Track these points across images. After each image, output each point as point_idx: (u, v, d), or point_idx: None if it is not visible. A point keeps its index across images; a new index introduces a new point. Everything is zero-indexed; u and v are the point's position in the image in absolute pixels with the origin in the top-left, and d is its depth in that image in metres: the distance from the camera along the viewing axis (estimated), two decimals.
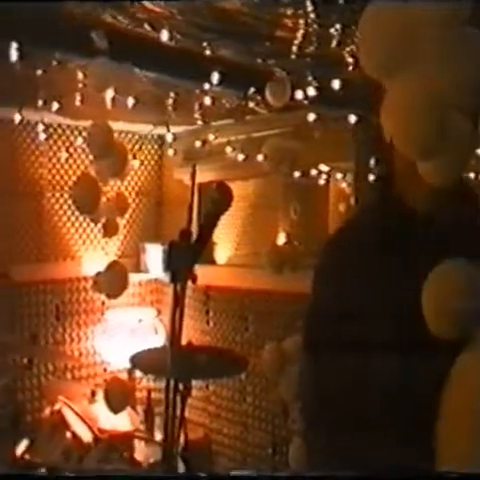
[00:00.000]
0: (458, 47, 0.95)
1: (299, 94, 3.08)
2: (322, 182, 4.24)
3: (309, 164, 4.05)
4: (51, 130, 4.58)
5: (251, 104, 3.40)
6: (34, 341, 4.57)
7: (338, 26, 2.48)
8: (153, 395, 4.53)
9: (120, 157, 3.27)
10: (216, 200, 1.65)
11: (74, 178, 4.55)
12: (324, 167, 4.14)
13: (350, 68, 2.82)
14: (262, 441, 4.47)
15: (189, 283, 1.56)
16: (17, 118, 3.65)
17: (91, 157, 3.94)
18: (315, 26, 2.51)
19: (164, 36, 2.60)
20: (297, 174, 4.03)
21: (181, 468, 2.68)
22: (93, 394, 4.04)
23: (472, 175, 2.81)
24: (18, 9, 2.32)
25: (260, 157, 3.57)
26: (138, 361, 2.41)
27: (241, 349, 4.48)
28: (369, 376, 1.11)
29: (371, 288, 1.18)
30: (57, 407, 3.79)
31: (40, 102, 3.37)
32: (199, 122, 3.97)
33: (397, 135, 1.01)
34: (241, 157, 4.02)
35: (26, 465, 3.43)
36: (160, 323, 4.94)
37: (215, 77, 2.91)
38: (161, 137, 5.24)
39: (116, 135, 3.22)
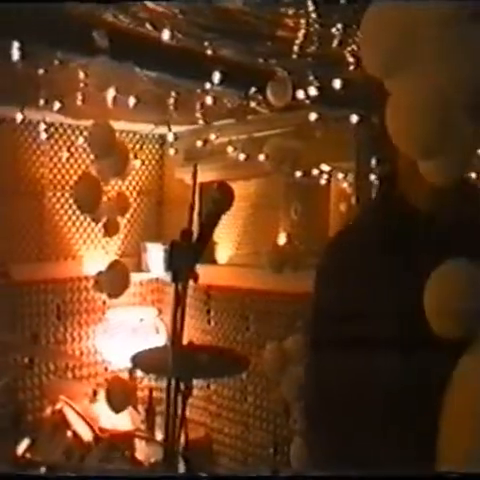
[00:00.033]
0: (460, 46, 0.95)
1: (300, 94, 3.08)
2: (323, 182, 4.24)
3: (310, 164, 4.05)
4: (52, 129, 4.58)
5: (252, 104, 3.40)
6: (35, 340, 4.57)
7: (339, 26, 2.48)
8: (154, 394, 4.53)
9: (121, 157, 3.27)
10: (217, 200, 1.65)
11: (75, 177, 4.57)
12: (325, 167, 4.14)
13: (351, 68, 2.82)
14: (263, 441, 4.47)
15: (190, 283, 1.56)
16: (19, 117, 3.66)
17: (92, 156, 3.95)
18: (316, 26, 2.50)
19: (165, 35, 2.60)
20: (298, 174, 4.03)
21: (182, 467, 2.68)
22: (94, 393, 4.04)
23: (473, 175, 2.80)
24: (19, 8, 2.32)
25: (261, 157, 3.57)
26: (139, 360, 2.41)
27: (242, 348, 4.48)
28: (373, 376, 1.11)
29: (374, 288, 1.18)
30: (58, 406, 3.79)
31: (41, 101, 3.37)
32: (200, 122, 3.97)
33: (398, 134, 1.01)
34: (242, 157, 4.02)
35: (27, 464, 3.42)
36: (161, 322, 4.95)
37: (216, 77, 2.91)
38: (162, 137, 5.24)
39: (117, 134, 3.22)
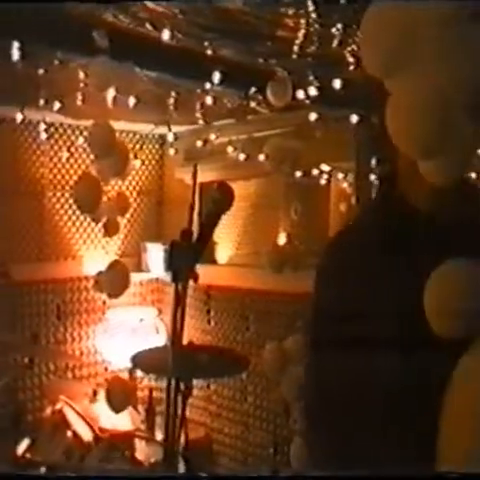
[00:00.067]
0: (460, 46, 0.95)
1: (300, 94, 3.08)
2: (323, 182, 4.24)
3: (310, 164, 4.05)
4: (52, 129, 4.58)
5: (252, 104, 3.40)
6: (35, 340, 4.57)
7: (339, 26, 2.48)
8: (154, 394, 4.53)
9: (121, 156, 3.27)
10: (217, 200, 1.65)
11: (75, 177, 4.57)
12: (325, 167, 4.14)
13: (351, 68, 2.82)
14: (263, 441, 4.47)
15: (190, 283, 1.56)
16: (19, 117, 3.66)
17: (92, 156, 3.95)
18: (316, 26, 2.50)
19: (165, 35, 2.60)
20: (298, 174, 4.03)
21: (182, 467, 2.68)
22: (94, 393, 4.04)
23: (474, 175, 2.80)
24: (19, 8, 2.32)
25: (261, 157, 3.57)
26: (139, 360, 2.41)
27: (242, 348, 4.48)
28: (373, 376, 1.11)
29: (374, 288, 1.18)
30: (58, 406, 3.79)
31: (42, 101, 3.37)
32: (200, 122, 3.97)
33: (398, 134, 1.01)
34: (242, 157, 4.02)
35: (27, 464, 3.43)
36: (161, 322, 4.95)
37: (216, 77, 2.91)
38: (162, 137, 5.24)
39: (117, 135, 3.22)
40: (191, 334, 4.56)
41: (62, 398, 3.84)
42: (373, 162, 3.60)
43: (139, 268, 5.12)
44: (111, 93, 2.99)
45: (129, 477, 3.48)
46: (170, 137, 4.21)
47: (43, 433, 3.71)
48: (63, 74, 2.95)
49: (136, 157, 4.71)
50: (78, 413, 3.71)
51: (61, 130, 4.72)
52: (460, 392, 0.97)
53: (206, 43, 2.76)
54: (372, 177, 3.62)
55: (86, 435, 3.58)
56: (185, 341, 1.63)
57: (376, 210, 1.33)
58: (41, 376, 4.59)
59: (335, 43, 2.63)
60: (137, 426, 4.06)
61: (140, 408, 4.53)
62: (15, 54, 2.50)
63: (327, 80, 3.03)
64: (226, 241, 4.88)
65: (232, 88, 3.16)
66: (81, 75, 2.95)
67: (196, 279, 1.56)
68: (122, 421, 3.81)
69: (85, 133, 4.58)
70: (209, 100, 3.34)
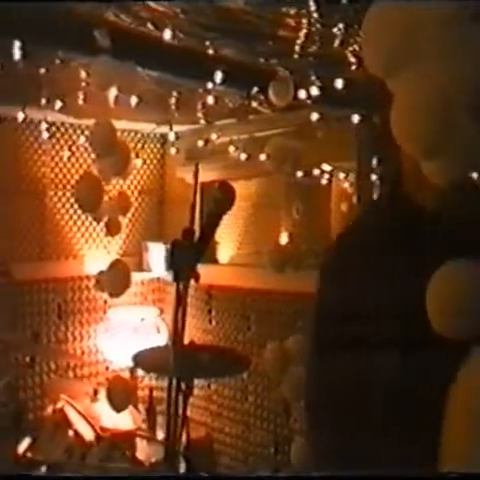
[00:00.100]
0: (462, 46, 0.95)
1: (302, 93, 3.08)
2: (324, 182, 4.24)
3: (312, 164, 4.05)
4: (54, 128, 4.59)
5: (254, 103, 3.40)
6: (36, 339, 4.58)
7: (341, 25, 2.48)
8: (155, 394, 4.53)
9: (123, 156, 3.27)
10: (218, 199, 1.65)
11: (77, 177, 4.57)
12: (327, 167, 4.14)
13: (353, 67, 2.82)
14: (264, 440, 4.47)
15: (191, 282, 1.57)
16: (20, 116, 3.66)
17: (94, 156, 3.94)
18: (318, 25, 2.50)
19: (167, 35, 2.60)
20: (300, 174, 4.03)
21: (183, 467, 2.68)
22: (95, 393, 4.04)
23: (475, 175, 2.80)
24: (21, 8, 2.32)
25: (263, 156, 3.57)
26: (140, 360, 2.41)
27: (243, 348, 4.48)
28: (378, 376, 1.11)
29: (379, 287, 1.18)
30: (59, 405, 3.80)
31: (43, 100, 3.38)
32: (202, 121, 3.97)
33: (401, 135, 1.01)
34: (244, 156, 4.02)
35: (28, 463, 3.43)
36: (162, 322, 4.95)
37: (218, 76, 2.90)
38: (164, 136, 5.24)
39: (119, 134, 3.22)
40: (192, 334, 4.57)
41: (63, 397, 3.84)
42: (374, 162, 3.60)
43: (140, 267, 5.12)
44: (113, 92, 2.99)
45: (130, 477, 3.49)
46: (171, 136, 4.21)
47: (44, 432, 3.71)
48: (64, 73, 2.95)
49: (137, 156, 4.71)
50: (79, 412, 3.72)
51: (62, 129, 4.72)
52: (465, 392, 0.97)
53: (208, 43, 2.76)
54: (373, 177, 3.62)
55: (87, 434, 3.58)
56: (186, 341, 1.63)
57: (381, 209, 1.32)
58: (42, 375, 4.60)
59: (337, 43, 2.63)
60: (138, 425, 4.06)
61: (141, 407, 4.53)
62: (17, 53, 2.49)
63: (329, 80, 3.03)
64: (227, 241, 4.88)
65: (234, 88, 3.16)
66: (83, 74, 2.95)
67: (197, 279, 1.56)
68: (123, 420, 3.81)
69: (86, 132, 4.60)
70: (210, 100, 3.34)
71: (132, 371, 4.59)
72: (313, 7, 2.32)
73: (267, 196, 4.65)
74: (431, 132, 0.98)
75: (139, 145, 5.13)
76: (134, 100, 3.30)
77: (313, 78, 3.05)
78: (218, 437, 4.74)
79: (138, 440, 3.84)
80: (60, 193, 4.76)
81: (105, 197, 3.38)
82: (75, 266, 4.82)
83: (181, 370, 1.60)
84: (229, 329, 4.74)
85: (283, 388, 3.46)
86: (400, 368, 1.10)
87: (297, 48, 2.72)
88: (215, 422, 4.81)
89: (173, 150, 4.65)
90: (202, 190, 3.08)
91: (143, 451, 3.77)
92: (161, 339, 4.74)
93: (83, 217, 4.80)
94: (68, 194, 4.71)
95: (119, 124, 3.59)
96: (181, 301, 1.56)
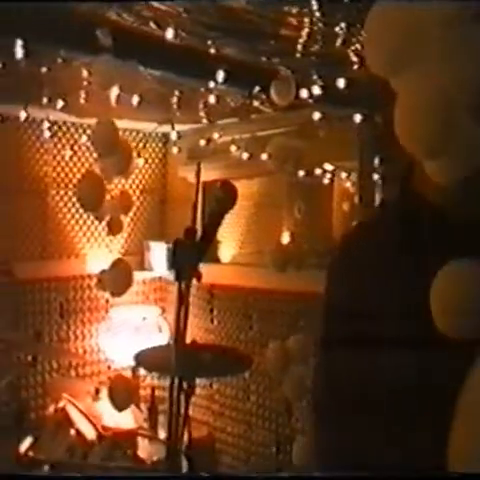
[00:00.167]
0: (464, 47, 0.95)
1: (304, 93, 3.08)
2: (326, 181, 4.24)
3: (314, 163, 4.05)
4: (56, 128, 4.58)
5: (256, 103, 3.40)
6: (38, 339, 4.58)
7: (343, 25, 2.48)
8: (157, 393, 4.53)
9: (124, 155, 3.27)
10: (220, 199, 1.65)
11: (78, 176, 4.57)
12: (328, 166, 4.14)
13: (355, 67, 2.82)
14: (266, 440, 4.47)
15: (193, 281, 1.57)
16: (22, 115, 3.66)
17: (96, 155, 3.94)
18: (320, 25, 2.50)
19: (169, 34, 2.60)
20: (301, 173, 4.03)
21: (185, 466, 2.68)
22: (97, 392, 4.05)
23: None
24: (22, 7, 2.32)
25: (265, 156, 3.57)
26: (142, 359, 2.42)
27: (245, 347, 4.48)
28: (385, 375, 1.11)
29: (388, 286, 1.17)
30: (61, 405, 3.80)
31: (45, 100, 3.38)
32: (204, 120, 3.97)
33: (403, 134, 1.01)
34: (246, 156, 4.02)
35: (30, 462, 3.43)
36: (164, 321, 4.95)
37: (220, 75, 2.90)
38: (165, 135, 5.24)
39: (121, 133, 3.22)
40: (194, 333, 4.58)
41: (65, 396, 3.84)
42: (376, 161, 3.60)
43: (142, 267, 5.12)
44: (115, 91, 2.99)
45: (132, 476, 3.49)
46: (173, 136, 4.21)
47: (46, 431, 3.72)
48: (66, 72, 2.95)
49: (139, 156, 4.72)
50: (81, 411, 3.72)
51: (64, 128, 4.72)
52: (476, 392, 0.96)
53: (210, 42, 2.76)
54: (375, 176, 3.61)
55: (89, 433, 3.59)
56: (188, 340, 1.63)
57: (392, 207, 1.32)
58: (44, 374, 4.60)
59: (339, 42, 2.63)
60: (140, 424, 4.06)
61: (143, 407, 4.54)
62: (19, 52, 2.50)
63: (331, 79, 3.03)
64: (229, 240, 4.88)
65: (235, 87, 3.16)
66: (85, 73, 2.95)
67: (199, 278, 1.56)
68: (125, 419, 3.81)
69: (88, 131, 4.61)
70: (212, 99, 3.34)
71: (134, 370, 4.60)
72: (315, 6, 2.32)
73: (269, 195, 4.65)
74: (433, 132, 0.98)
75: (141, 144, 5.14)
76: (136, 99, 3.30)
77: (315, 77, 3.05)
78: (220, 436, 4.75)
79: (140, 439, 3.84)
80: (62, 192, 4.76)
81: (107, 196, 3.38)
82: (77, 265, 4.83)
83: (183, 369, 1.60)
84: (231, 328, 4.74)
85: (285, 387, 3.46)
86: (411, 367, 1.10)
87: (299, 47, 2.72)
88: (217, 421, 4.81)
89: (175, 149, 4.66)
90: (204, 189, 3.08)
91: (145, 450, 3.77)
92: (163, 338, 4.74)
93: (85, 216, 4.80)
94: (70, 193, 4.71)
95: (121, 123, 3.59)
96: (183, 300, 1.56)
